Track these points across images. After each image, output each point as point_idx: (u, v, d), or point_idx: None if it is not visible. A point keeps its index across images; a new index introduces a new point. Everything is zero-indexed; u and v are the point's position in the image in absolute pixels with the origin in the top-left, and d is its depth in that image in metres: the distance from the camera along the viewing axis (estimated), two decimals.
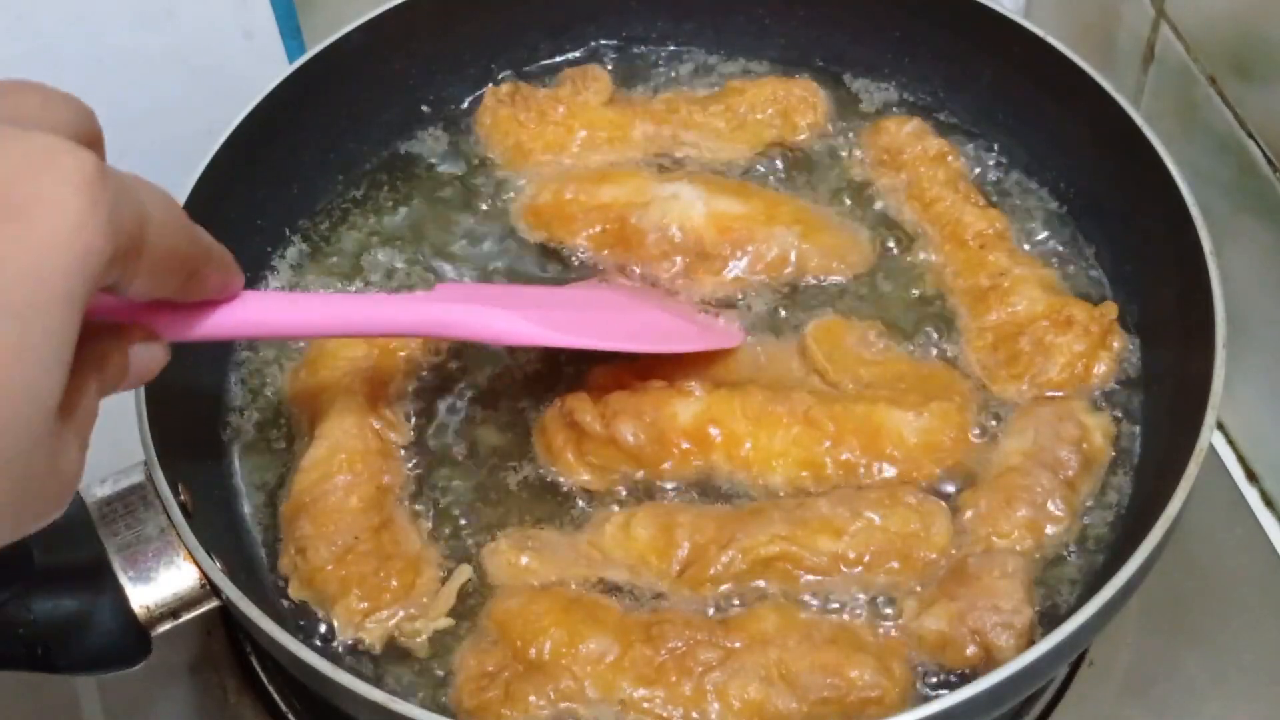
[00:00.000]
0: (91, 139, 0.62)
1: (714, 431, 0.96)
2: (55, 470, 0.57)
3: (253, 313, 0.75)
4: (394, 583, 0.92)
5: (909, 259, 1.10)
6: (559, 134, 1.17)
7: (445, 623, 0.92)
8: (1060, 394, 0.99)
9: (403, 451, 1.00)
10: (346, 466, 0.96)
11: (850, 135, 1.18)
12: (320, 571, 0.92)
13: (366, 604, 0.91)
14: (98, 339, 0.63)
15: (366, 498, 0.95)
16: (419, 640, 0.91)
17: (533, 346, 1.01)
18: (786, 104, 1.18)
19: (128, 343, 0.67)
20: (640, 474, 0.97)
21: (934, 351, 1.04)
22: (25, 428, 0.53)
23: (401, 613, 0.91)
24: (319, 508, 0.94)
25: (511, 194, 1.16)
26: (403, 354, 1.04)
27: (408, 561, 0.93)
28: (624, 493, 0.97)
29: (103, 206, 0.54)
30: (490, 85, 1.22)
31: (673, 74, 1.24)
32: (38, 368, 0.53)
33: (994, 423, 0.99)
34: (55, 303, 0.53)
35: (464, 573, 0.94)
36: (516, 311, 0.90)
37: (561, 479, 0.98)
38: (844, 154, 1.17)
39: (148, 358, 0.68)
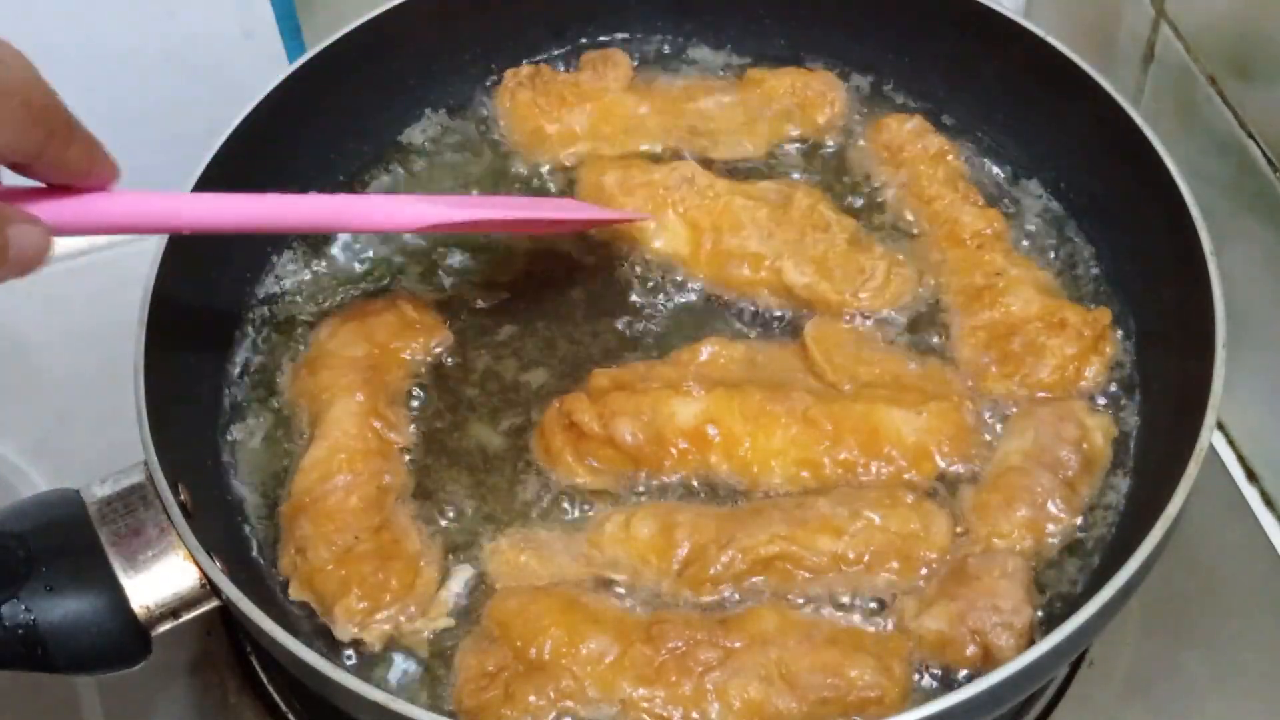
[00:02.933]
0: None
1: (712, 431, 0.96)
2: None
3: (130, 205, 0.77)
4: (394, 583, 0.91)
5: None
6: (576, 121, 1.17)
7: (445, 622, 0.92)
8: (1048, 395, 0.99)
9: (403, 451, 1.00)
10: (346, 466, 0.96)
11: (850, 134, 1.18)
12: (320, 571, 0.92)
13: (366, 604, 0.91)
14: None
15: (366, 498, 0.95)
16: (419, 640, 0.91)
17: (435, 228, 0.98)
18: (805, 97, 1.17)
19: (3, 222, 0.68)
20: (639, 474, 0.97)
21: (925, 349, 1.04)
22: None
23: (401, 612, 0.91)
24: (319, 508, 0.94)
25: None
26: (403, 354, 1.04)
27: (407, 561, 0.93)
28: (623, 493, 0.97)
29: None
30: (509, 69, 1.22)
31: (674, 74, 1.24)
32: None
33: (993, 423, 0.99)
34: None
35: (464, 572, 0.94)
36: (414, 196, 0.93)
37: (561, 479, 0.98)
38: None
39: (27, 241, 0.70)
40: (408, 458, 1.00)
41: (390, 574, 0.92)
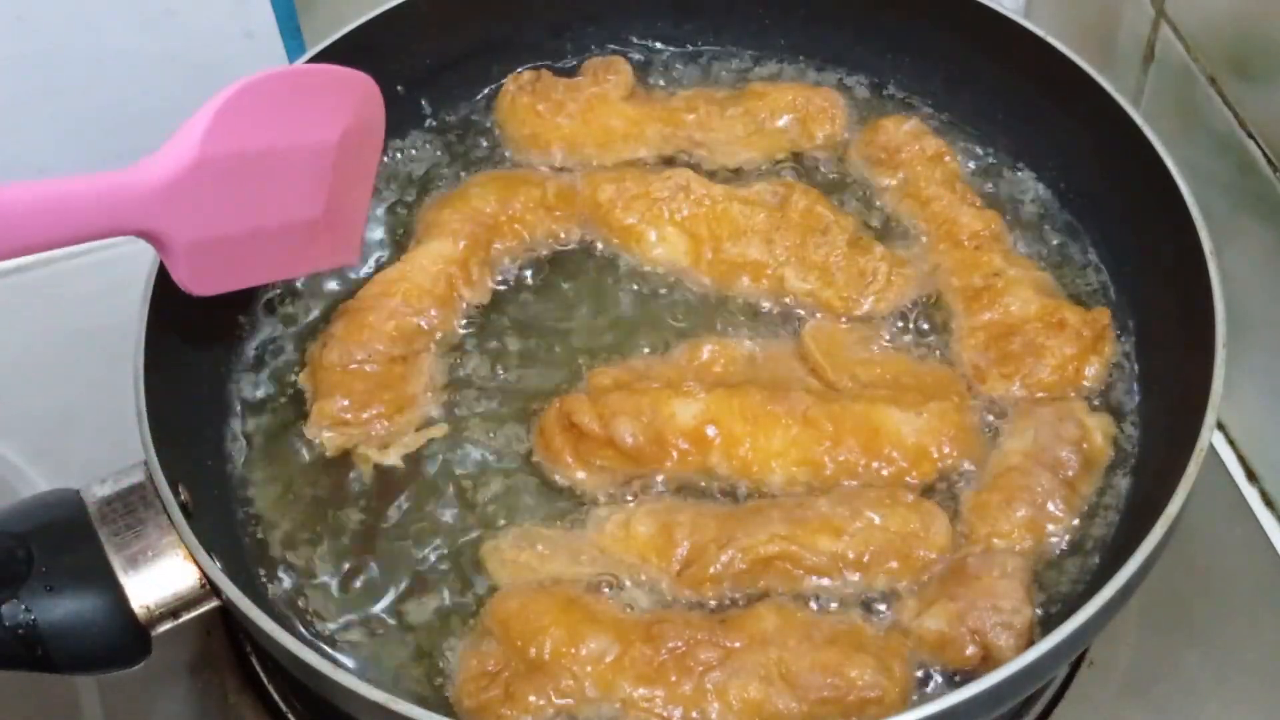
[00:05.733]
0: None
1: (712, 432, 0.96)
2: None
3: None
4: (374, 408, 0.98)
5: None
6: (575, 127, 1.17)
7: (394, 460, 0.98)
8: (1048, 395, 0.99)
9: (466, 307, 1.06)
10: (403, 294, 1.02)
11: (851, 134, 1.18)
12: (326, 369, 0.99)
13: (344, 414, 0.98)
14: None
15: (403, 329, 1.02)
16: (365, 462, 0.98)
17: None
18: (806, 113, 1.17)
19: None
20: (640, 474, 0.97)
21: (925, 349, 1.04)
22: None
23: (365, 435, 0.99)
24: (359, 319, 1.01)
25: None
26: (524, 228, 1.09)
27: (398, 397, 0.99)
28: (624, 492, 0.97)
29: None
30: (514, 73, 1.22)
31: (675, 74, 1.25)
32: None
33: (993, 422, 0.99)
34: None
35: (437, 430, 0.99)
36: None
37: (561, 479, 0.98)
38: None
39: None
40: (464, 321, 1.06)
41: (376, 400, 0.98)
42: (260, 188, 0.91)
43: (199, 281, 0.91)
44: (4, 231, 0.76)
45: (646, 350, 1.05)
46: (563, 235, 1.11)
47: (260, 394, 1.05)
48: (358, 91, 0.99)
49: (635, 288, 1.10)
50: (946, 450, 0.96)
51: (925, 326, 1.06)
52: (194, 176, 0.85)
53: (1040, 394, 1.00)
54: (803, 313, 1.07)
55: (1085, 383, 1.01)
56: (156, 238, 0.86)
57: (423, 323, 1.03)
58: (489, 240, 1.08)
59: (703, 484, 0.97)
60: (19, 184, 0.77)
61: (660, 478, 0.97)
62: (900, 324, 1.06)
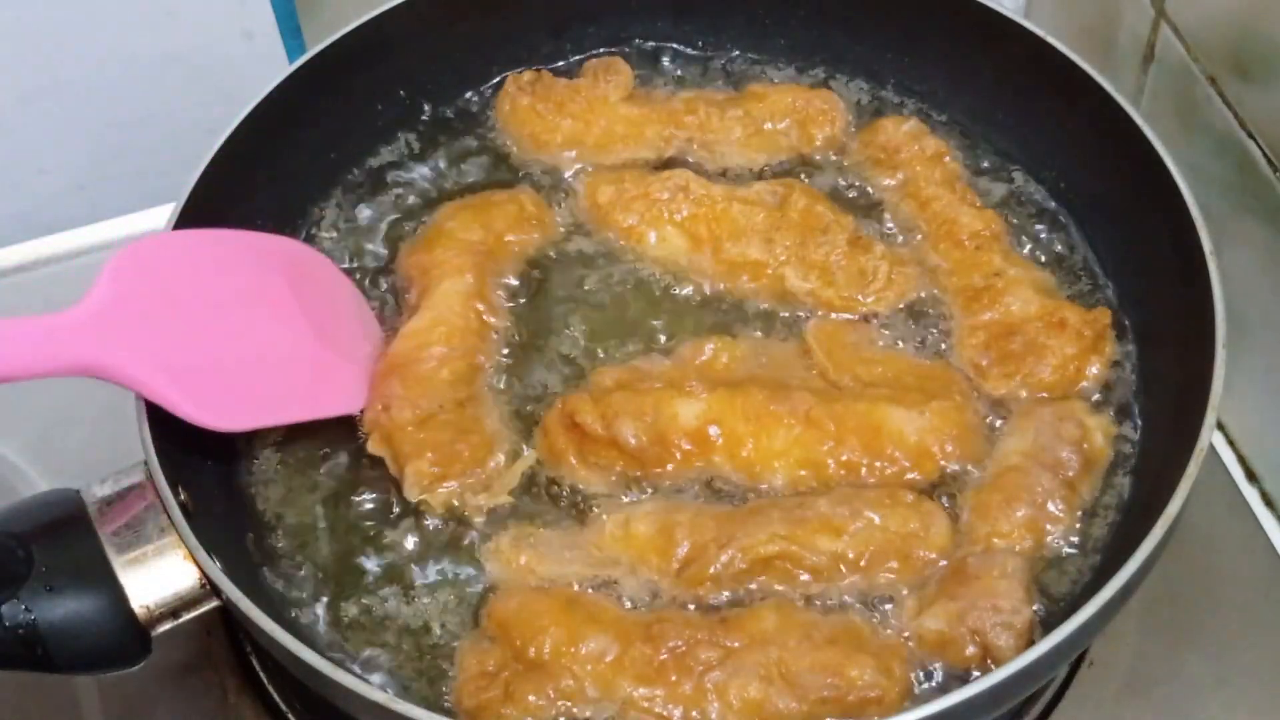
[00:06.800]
0: None
1: (715, 432, 0.96)
2: None
3: None
4: (466, 455, 0.97)
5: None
6: (575, 128, 1.17)
7: (506, 500, 0.96)
8: (1048, 395, 1.00)
9: (497, 336, 1.05)
10: (444, 340, 1.01)
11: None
12: (400, 431, 0.97)
13: (437, 469, 0.96)
14: None
15: (457, 372, 1.01)
16: (477, 511, 0.96)
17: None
18: (805, 115, 1.17)
19: None
20: (642, 474, 0.97)
21: (925, 349, 1.04)
22: None
23: (467, 484, 0.96)
24: (411, 372, 1.00)
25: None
26: (515, 245, 1.10)
27: (482, 438, 0.98)
28: (626, 492, 0.97)
29: None
30: (511, 73, 1.22)
31: (675, 76, 1.25)
32: None
33: (994, 422, 0.99)
34: None
35: (529, 458, 0.98)
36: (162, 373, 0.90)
37: (564, 479, 0.98)
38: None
39: None
40: (505, 349, 1.05)
41: (465, 446, 0.97)
42: (216, 319, 0.95)
43: (208, 412, 0.92)
44: None
45: (648, 350, 1.05)
46: (552, 240, 1.12)
47: None
48: (282, 244, 1.06)
49: (636, 288, 1.10)
50: (948, 450, 0.96)
51: (926, 326, 1.06)
52: (116, 308, 0.90)
53: (1041, 394, 1.00)
54: (804, 312, 1.07)
55: (1085, 383, 1.01)
56: (111, 373, 0.89)
57: (478, 359, 1.03)
58: (491, 266, 1.08)
59: (705, 484, 0.97)
60: None
61: (664, 478, 0.97)
62: (901, 323, 1.06)
